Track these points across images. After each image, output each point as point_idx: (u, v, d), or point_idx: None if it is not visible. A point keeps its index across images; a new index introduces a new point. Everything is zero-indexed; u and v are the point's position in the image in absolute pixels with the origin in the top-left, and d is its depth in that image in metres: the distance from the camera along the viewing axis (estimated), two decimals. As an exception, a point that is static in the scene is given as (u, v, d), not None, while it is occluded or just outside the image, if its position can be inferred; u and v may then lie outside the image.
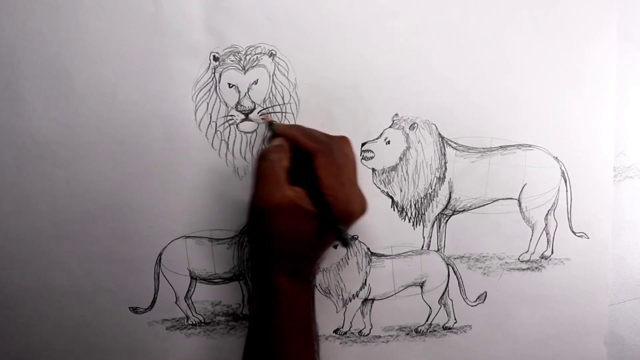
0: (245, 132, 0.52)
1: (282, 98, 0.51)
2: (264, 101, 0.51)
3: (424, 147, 0.53)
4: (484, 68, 0.52)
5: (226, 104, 0.51)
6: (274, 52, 0.50)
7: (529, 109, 0.52)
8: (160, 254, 0.53)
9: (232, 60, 0.50)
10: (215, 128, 0.51)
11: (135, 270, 0.54)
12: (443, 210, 0.54)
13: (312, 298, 0.49)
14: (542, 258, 0.54)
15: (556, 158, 0.53)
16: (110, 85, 0.51)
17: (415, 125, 0.52)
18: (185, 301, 0.55)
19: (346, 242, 0.40)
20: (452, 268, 0.55)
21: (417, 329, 0.55)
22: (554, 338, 0.56)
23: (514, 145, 0.53)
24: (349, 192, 0.44)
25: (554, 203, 0.54)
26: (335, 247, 0.52)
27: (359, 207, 0.45)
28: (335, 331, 0.55)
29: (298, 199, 0.42)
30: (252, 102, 0.51)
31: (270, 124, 0.49)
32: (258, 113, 0.51)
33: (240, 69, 0.51)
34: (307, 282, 0.47)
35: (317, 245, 0.46)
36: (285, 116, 0.51)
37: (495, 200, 0.54)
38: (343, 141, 0.47)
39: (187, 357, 0.55)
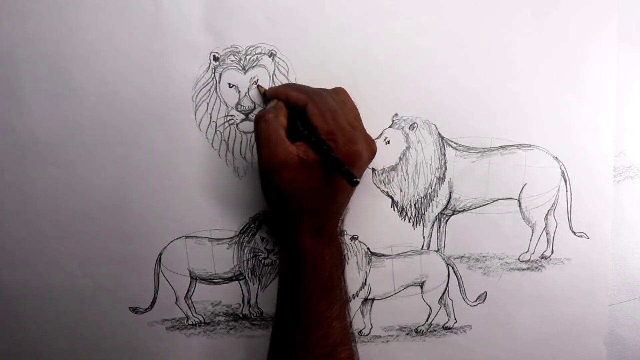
0: (245, 132, 0.52)
1: (282, 98, 0.51)
2: (264, 101, 0.51)
3: (423, 147, 0.53)
4: (484, 68, 0.52)
5: (226, 104, 0.51)
6: (274, 52, 0.50)
7: (529, 109, 0.52)
8: (160, 254, 0.53)
9: (232, 60, 0.50)
10: (215, 128, 0.51)
11: (135, 270, 0.54)
12: (443, 210, 0.54)
13: (338, 258, 0.49)
14: (542, 258, 0.54)
15: (556, 158, 0.53)
16: (110, 85, 0.51)
17: (415, 125, 0.52)
18: (185, 301, 0.55)
19: (350, 178, 0.40)
20: (452, 268, 0.55)
21: (417, 329, 0.55)
22: (554, 338, 0.56)
23: (514, 145, 0.53)
24: (350, 133, 0.44)
25: (554, 203, 0.54)
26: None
27: (365, 147, 0.45)
28: (335, 331, 0.55)
29: (301, 152, 0.43)
30: (252, 102, 0.51)
31: (265, 93, 0.49)
32: (255, 84, 0.51)
33: (240, 69, 0.51)
34: (331, 240, 0.47)
35: (330, 194, 0.45)
36: (285, 116, 0.51)
37: (495, 200, 0.54)
38: (337, 89, 0.48)
39: (187, 357, 0.55)
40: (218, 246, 0.54)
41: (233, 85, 0.51)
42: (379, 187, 0.53)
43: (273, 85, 0.51)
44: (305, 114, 0.44)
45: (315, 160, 0.42)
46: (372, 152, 0.46)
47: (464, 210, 0.54)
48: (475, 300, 0.55)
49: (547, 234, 0.54)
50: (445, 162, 0.53)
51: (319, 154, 0.43)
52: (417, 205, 0.54)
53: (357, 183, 0.40)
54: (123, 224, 0.53)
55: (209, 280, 0.54)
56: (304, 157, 0.42)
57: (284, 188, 0.43)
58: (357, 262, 0.54)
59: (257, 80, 0.51)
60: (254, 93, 0.51)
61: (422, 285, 0.55)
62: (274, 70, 0.51)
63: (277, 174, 0.42)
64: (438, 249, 0.54)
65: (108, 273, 0.54)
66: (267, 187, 0.45)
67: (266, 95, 0.49)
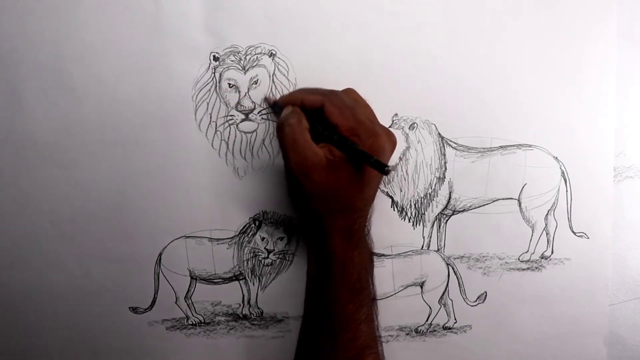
0: (245, 132, 0.52)
1: (282, 98, 0.51)
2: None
3: (423, 147, 0.53)
4: (484, 68, 0.52)
5: (226, 104, 0.51)
6: (274, 52, 0.50)
7: (529, 109, 0.52)
8: (160, 254, 0.53)
9: (232, 60, 0.50)
10: (215, 128, 0.51)
11: (135, 270, 0.54)
12: (443, 210, 0.54)
13: (367, 260, 0.49)
14: (542, 258, 0.54)
15: (556, 158, 0.53)
16: (111, 85, 0.51)
17: (415, 125, 0.52)
18: (185, 301, 0.55)
19: (382, 168, 0.40)
20: (452, 268, 0.55)
21: (417, 329, 0.55)
22: (554, 338, 0.56)
23: (514, 145, 0.53)
24: (371, 127, 0.44)
25: (554, 203, 0.54)
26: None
27: (387, 139, 0.45)
28: (335, 331, 0.55)
29: (328, 153, 0.43)
30: (252, 102, 0.51)
31: (275, 104, 0.49)
32: (263, 101, 0.51)
33: (240, 69, 0.51)
34: (360, 242, 0.47)
35: (358, 190, 0.45)
36: (285, 116, 0.51)
37: (495, 200, 0.54)
38: (347, 90, 0.48)
39: (187, 357, 0.55)
40: (218, 246, 0.54)
41: (233, 85, 0.51)
42: (379, 187, 0.53)
43: (273, 87, 0.51)
44: (323, 114, 0.44)
45: (341, 158, 0.43)
46: (393, 143, 0.46)
47: (464, 210, 0.54)
48: (475, 300, 0.55)
49: (547, 234, 0.54)
50: (445, 162, 0.53)
51: (345, 151, 0.43)
52: (417, 205, 0.54)
53: (389, 172, 0.40)
54: (123, 224, 0.53)
55: (209, 280, 0.54)
56: (330, 158, 0.43)
57: (315, 190, 0.43)
58: (357, 262, 0.54)
59: (258, 80, 0.51)
60: (254, 93, 0.51)
61: (422, 285, 0.55)
62: (274, 70, 0.51)
63: (308, 177, 0.43)
64: (438, 249, 0.54)
65: (108, 273, 0.54)
66: (297, 191, 0.45)
67: (277, 105, 0.49)
